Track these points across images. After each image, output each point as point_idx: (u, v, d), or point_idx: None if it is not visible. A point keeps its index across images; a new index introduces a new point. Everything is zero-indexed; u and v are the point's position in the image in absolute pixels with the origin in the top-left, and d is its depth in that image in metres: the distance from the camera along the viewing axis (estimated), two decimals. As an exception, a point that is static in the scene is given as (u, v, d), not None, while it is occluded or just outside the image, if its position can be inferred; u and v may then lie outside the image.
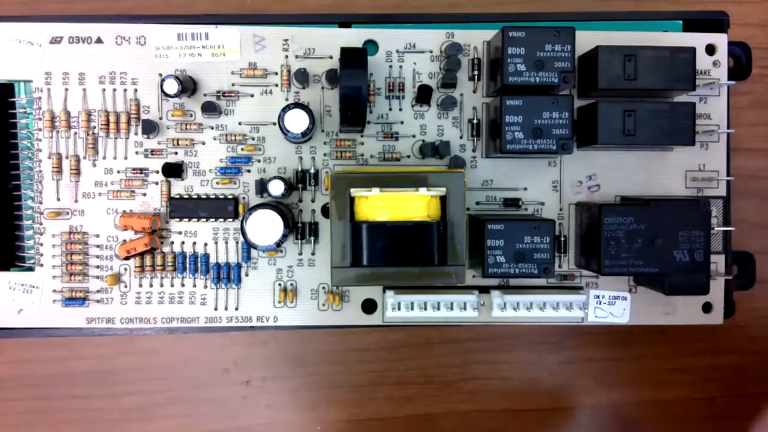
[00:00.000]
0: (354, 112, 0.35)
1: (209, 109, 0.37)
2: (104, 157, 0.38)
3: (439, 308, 0.37)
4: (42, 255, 0.38)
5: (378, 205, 0.33)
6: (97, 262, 0.38)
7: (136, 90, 0.38)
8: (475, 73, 0.38)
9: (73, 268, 0.38)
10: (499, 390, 0.46)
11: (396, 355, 0.46)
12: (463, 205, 0.34)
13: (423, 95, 0.38)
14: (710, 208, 0.36)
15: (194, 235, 0.39)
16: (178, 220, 0.38)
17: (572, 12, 0.40)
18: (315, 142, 0.39)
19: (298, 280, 0.39)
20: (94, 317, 0.38)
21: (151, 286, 0.39)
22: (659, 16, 0.40)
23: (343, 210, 0.33)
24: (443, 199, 0.34)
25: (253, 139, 0.38)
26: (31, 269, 0.39)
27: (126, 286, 0.38)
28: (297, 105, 0.36)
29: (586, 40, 0.37)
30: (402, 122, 0.39)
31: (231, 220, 0.38)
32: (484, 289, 0.38)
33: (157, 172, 0.38)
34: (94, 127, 0.38)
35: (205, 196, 0.38)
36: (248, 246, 0.38)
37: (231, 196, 0.38)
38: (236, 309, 0.39)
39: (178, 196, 0.38)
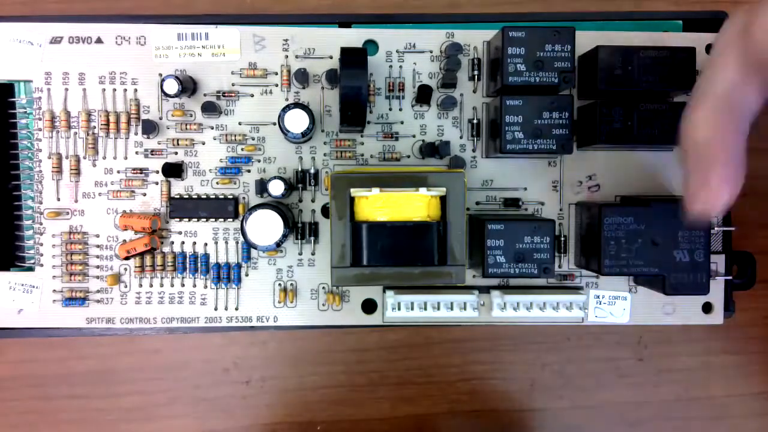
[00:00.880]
0: (354, 112, 0.35)
1: (209, 109, 0.37)
2: (104, 157, 0.38)
3: (439, 308, 0.37)
4: (42, 255, 0.38)
5: (378, 205, 0.33)
6: (97, 262, 0.38)
7: (136, 90, 0.38)
8: (475, 73, 0.38)
9: (73, 268, 0.38)
10: (499, 390, 0.46)
11: (396, 355, 0.46)
12: (463, 205, 0.34)
13: (423, 95, 0.38)
14: (710, 208, 0.35)
15: (194, 235, 0.39)
16: (178, 220, 0.38)
17: (572, 12, 0.41)
18: (315, 142, 0.39)
19: (298, 280, 0.39)
20: (94, 317, 0.38)
21: (151, 286, 0.39)
22: (659, 16, 0.40)
23: (343, 210, 0.33)
24: (443, 199, 0.34)
25: (253, 139, 0.38)
26: (31, 269, 0.39)
27: (126, 286, 0.39)
28: (297, 105, 0.36)
29: (586, 40, 0.37)
30: (402, 122, 0.39)
31: (231, 220, 0.38)
32: (484, 289, 0.38)
33: (157, 172, 0.38)
34: (94, 127, 0.38)
35: (205, 196, 0.38)
36: (248, 246, 0.38)
37: (231, 196, 0.38)
38: (236, 309, 0.39)
39: (178, 196, 0.38)
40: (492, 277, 0.35)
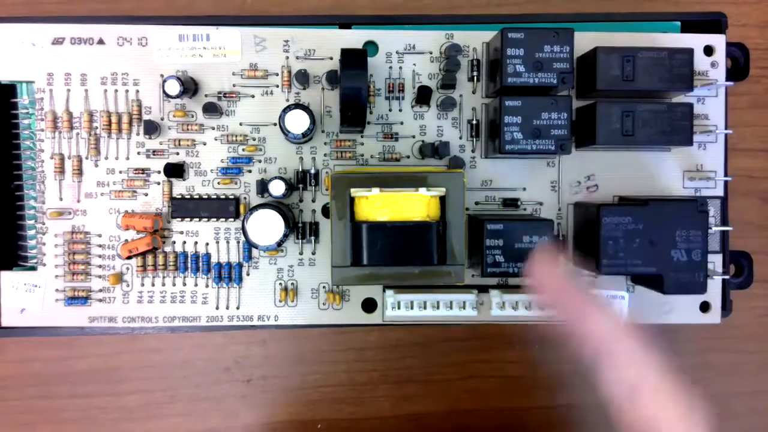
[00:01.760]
0: (354, 112, 0.35)
1: (210, 109, 0.38)
2: (106, 158, 0.38)
3: (438, 307, 0.37)
4: (44, 255, 0.39)
5: (378, 205, 0.33)
6: (99, 262, 0.39)
7: (137, 91, 0.38)
8: (475, 74, 0.39)
9: (75, 267, 0.38)
10: (498, 389, 0.47)
11: (396, 353, 0.46)
12: (463, 205, 0.34)
13: (423, 96, 0.38)
14: (708, 208, 0.36)
15: (196, 235, 0.39)
16: (179, 219, 0.39)
17: (571, 13, 0.41)
18: (315, 142, 0.39)
19: (298, 279, 0.39)
20: (96, 316, 0.39)
21: (152, 285, 0.39)
22: (658, 17, 0.40)
23: (344, 210, 0.34)
24: (443, 199, 0.34)
25: (254, 139, 0.39)
26: (33, 269, 0.39)
27: (128, 286, 0.39)
28: (297, 106, 0.36)
29: (585, 41, 0.37)
30: (402, 123, 0.39)
31: (232, 219, 0.39)
32: (483, 289, 0.38)
33: (159, 172, 0.38)
34: (96, 128, 0.38)
35: (206, 196, 0.39)
36: (249, 246, 0.38)
37: (232, 196, 0.39)
38: (237, 308, 0.39)
39: (179, 196, 0.39)
40: (491, 277, 0.35)
